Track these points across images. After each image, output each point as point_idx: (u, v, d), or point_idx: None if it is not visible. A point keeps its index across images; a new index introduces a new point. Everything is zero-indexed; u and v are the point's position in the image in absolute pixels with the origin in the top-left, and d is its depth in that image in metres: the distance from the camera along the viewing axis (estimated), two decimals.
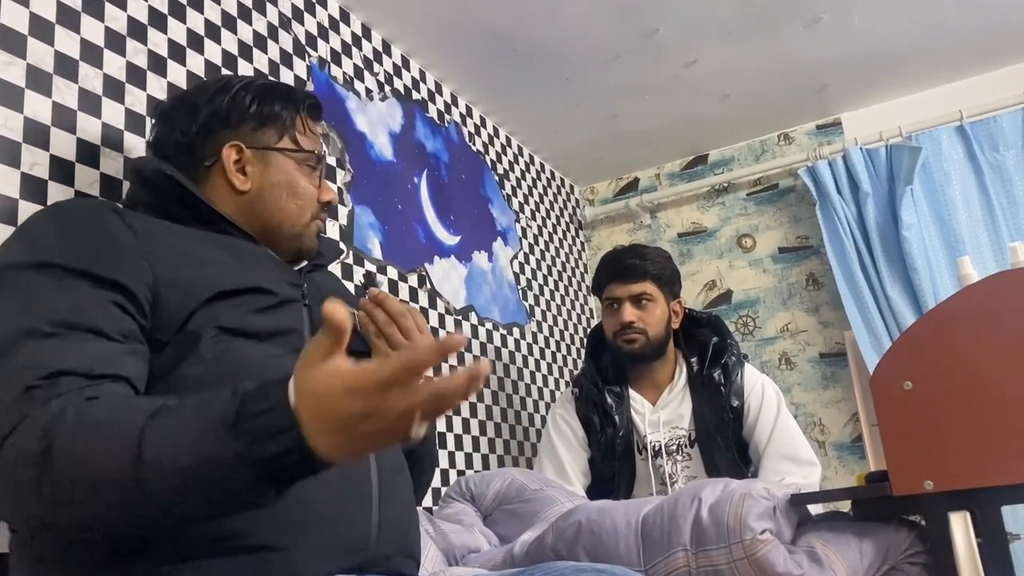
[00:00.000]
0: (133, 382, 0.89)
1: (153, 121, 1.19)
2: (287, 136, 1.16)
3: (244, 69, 1.74)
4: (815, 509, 1.53)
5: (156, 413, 0.76)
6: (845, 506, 1.49)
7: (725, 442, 1.98)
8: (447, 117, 2.52)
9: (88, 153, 1.34)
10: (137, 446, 0.74)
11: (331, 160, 1.95)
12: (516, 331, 2.61)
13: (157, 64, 1.53)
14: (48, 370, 0.82)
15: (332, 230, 1.89)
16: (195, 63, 1.61)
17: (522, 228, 2.83)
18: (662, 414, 2.04)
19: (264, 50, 1.82)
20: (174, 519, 0.78)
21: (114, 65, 1.43)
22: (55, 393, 0.81)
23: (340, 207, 1.94)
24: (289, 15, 1.92)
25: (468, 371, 0.66)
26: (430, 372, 0.70)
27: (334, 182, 1.94)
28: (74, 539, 0.83)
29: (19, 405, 0.80)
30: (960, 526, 1.19)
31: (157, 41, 1.54)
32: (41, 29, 1.31)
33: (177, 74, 1.56)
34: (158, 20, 1.55)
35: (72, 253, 0.92)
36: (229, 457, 0.71)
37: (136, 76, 1.47)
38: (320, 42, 2.01)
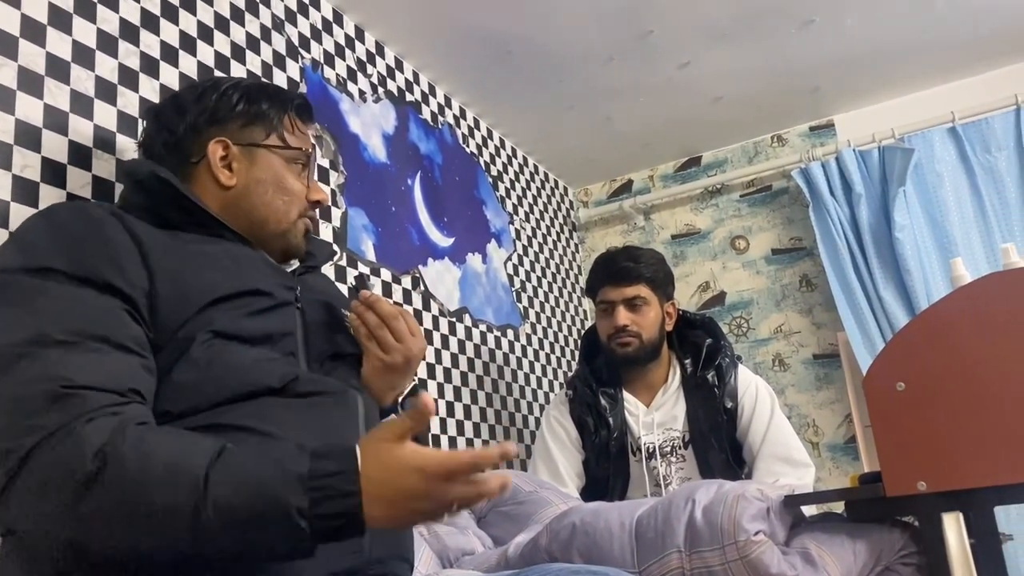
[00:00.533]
0: (148, 397, 0.90)
1: (143, 122, 1.20)
2: (275, 134, 1.16)
3: (237, 71, 1.74)
4: (809, 510, 1.53)
5: (220, 454, 0.80)
6: (839, 507, 1.49)
7: (719, 443, 1.98)
8: (440, 119, 2.52)
9: (80, 155, 1.33)
10: (203, 484, 0.78)
11: (324, 162, 1.94)
12: (510, 333, 2.61)
13: (149, 66, 1.52)
14: (72, 381, 0.82)
15: (325, 232, 1.89)
16: (188, 65, 1.61)
17: (516, 230, 2.82)
18: (656, 416, 2.04)
19: (257, 52, 1.81)
20: (212, 556, 0.80)
21: (106, 67, 1.43)
22: (88, 408, 0.81)
23: (333, 209, 1.94)
24: (282, 17, 1.92)
25: (501, 479, 0.80)
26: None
27: (327, 184, 1.94)
28: (92, 558, 0.83)
29: (49, 414, 0.80)
30: (953, 527, 1.19)
31: (149, 43, 1.53)
32: (32, 31, 1.31)
33: (170, 76, 1.56)
34: (150, 22, 1.54)
35: (73, 258, 0.91)
36: (292, 508, 0.77)
37: (128, 78, 1.47)
38: (313, 44, 2.01)
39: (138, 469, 0.78)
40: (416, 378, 1.24)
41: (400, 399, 1.22)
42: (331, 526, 0.78)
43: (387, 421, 0.83)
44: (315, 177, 1.23)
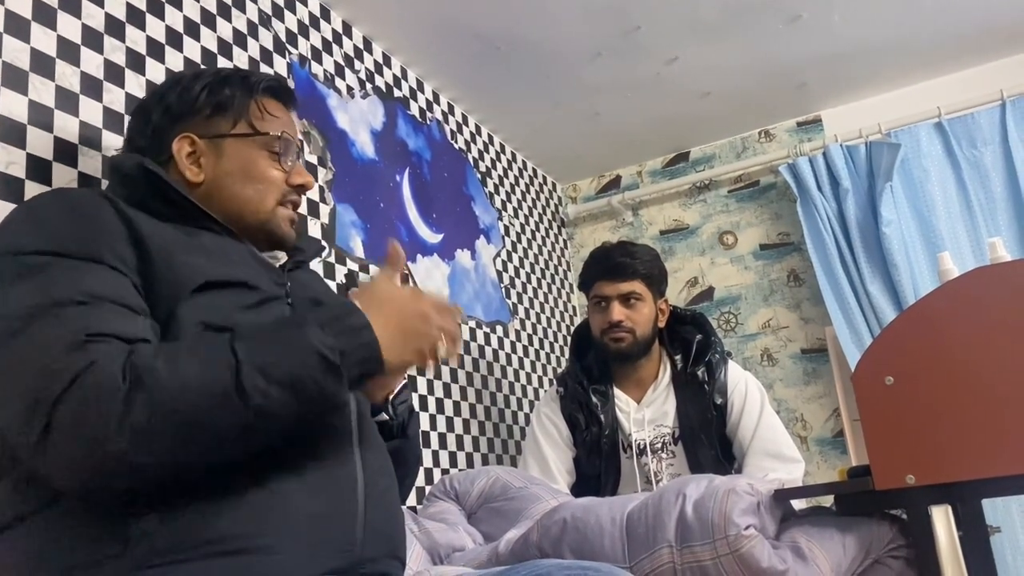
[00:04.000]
0: None
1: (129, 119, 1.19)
2: (243, 121, 1.12)
3: (224, 66, 1.72)
4: (798, 504, 1.53)
5: (234, 334, 0.87)
6: (828, 501, 1.50)
7: (709, 439, 1.98)
8: (429, 115, 2.51)
9: (65, 151, 1.32)
10: (234, 357, 0.83)
11: (312, 158, 1.93)
12: (499, 329, 2.61)
13: (135, 62, 1.51)
14: (95, 330, 0.84)
15: (314, 228, 1.88)
16: (174, 61, 1.60)
17: (505, 226, 2.82)
18: (647, 412, 2.04)
19: (244, 47, 1.80)
20: (268, 433, 0.86)
21: (92, 63, 1.41)
22: (112, 351, 0.83)
23: (322, 205, 1.93)
24: (269, 12, 1.91)
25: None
26: None
27: (316, 181, 1.93)
28: (146, 484, 0.83)
29: (77, 355, 0.81)
30: (942, 519, 1.20)
31: (135, 38, 1.52)
32: (17, 26, 1.29)
33: (156, 72, 1.55)
34: (136, 17, 1.53)
35: (66, 241, 0.91)
36: (324, 347, 0.86)
37: (114, 74, 1.46)
38: (300, 39, 2.00)
39: (169, 370, 0.81)
40: (406, 378, 1.24)
41: (391, 397, 1.21)
42: (358, 358, 0.88)
43: (371, 279, 0.96)
44: (298, 159, 1.17)
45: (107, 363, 0.81)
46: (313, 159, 1.93)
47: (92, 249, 0.91)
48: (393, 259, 1.01)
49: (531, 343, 2.79)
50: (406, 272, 2.19)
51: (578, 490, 2.02)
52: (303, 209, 1.80)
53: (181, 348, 0.87)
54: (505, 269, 2.75)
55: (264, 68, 1.85)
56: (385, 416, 1.20)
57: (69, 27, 1.38)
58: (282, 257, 1.20)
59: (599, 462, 2.03)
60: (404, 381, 1.24)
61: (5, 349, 0.84)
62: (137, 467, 0.80)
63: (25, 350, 0.83)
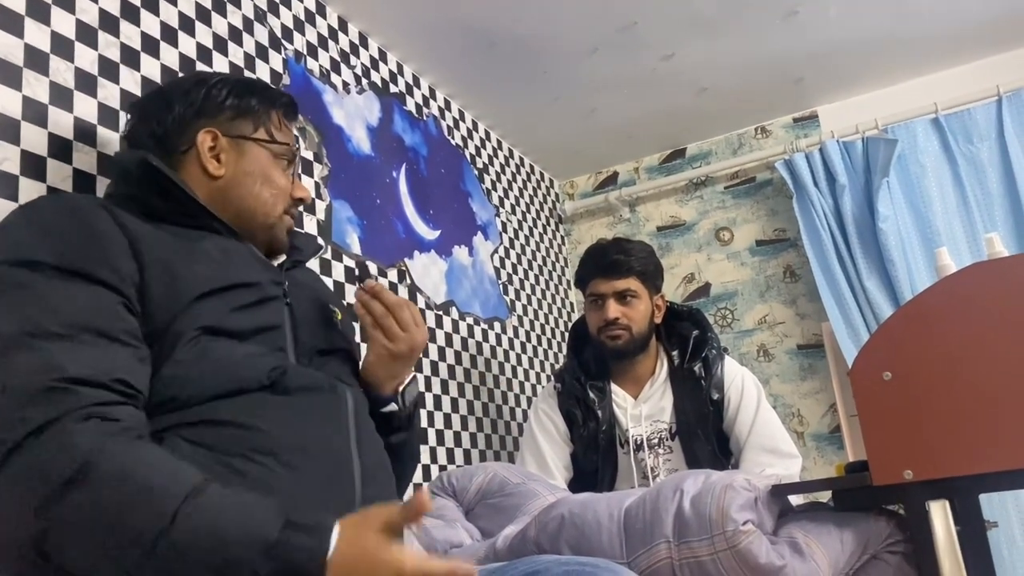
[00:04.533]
0: (141, 390, 0.90)
1: (128, 114, 1.19)
2: (263, 128, 1.17)
3: (219, 62, 1.72)
4: (796, 500, 1.54)
5: (198, 492, 0.79)
6: (825, 496, 1.50)
7: (705, 435, 1.98)
8: (425, 111, 2.50)
9: (60, 148, 1.31)
10: (172, 518, 0.77)
11: (308, 154, 1.93)
12: (497, 325, 2.60)
13: (130, 57, 1.50)
14: (65, 373, 0.82)
15: (310, 225, 1.88)
16: (169, 57, 1.59)
17: (502, 222, 2.82)
18: (644, 408, 2.04)
19: (239, 43, 1.79)
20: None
21: (86, 58, 1.41)
22: (79, 404, 0.81)
23: (318, 201, 1.92)
24: (264, 8, 1.90)
25: None
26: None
27: (311, 176, 1.92)
28: (47, 567, 0.82)
29: (40, 406, 0.80)
30: (939, 514, 1.20)
31: (130, 34, 1.51)
32: (10, 21, 1.28)
33: (151, 68, 1.54)
34: (131, 13, 1.52)
35: (59, 251, 0.91)
36: (248, 571, 0.76)
37: (109, 69, 1.45)
38: (296, 35, 1.99)
39: (116, 483, 0.78)
40: (414, 370, 1.25)
41: (400, 389, 1.22)
42: None
43: (380, 508, 0.82)
44: (299, 175, 1.24)
45: (67, 436, 0.79)
46: (309, 155, 1.93)
47: (85, 262, 0.91)
48: (415, 509, 0.82)
49: (529, 339, 2.78)
50: (402, 269, 2.18)
51: (575, 486, 2.02)
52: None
53: (145, 455, 0.82)
54: (503, 265, 2.74)
55: (260, 64, 1.84)
56: (394, 406, 1.20)
57: (63, 22, 1.38)
58: (280, 256, 1.21)
59: (596, 458, 2.03)
60: (413, 373, 1.24)
61: None
62: (46, 555, 0.80)
63: None
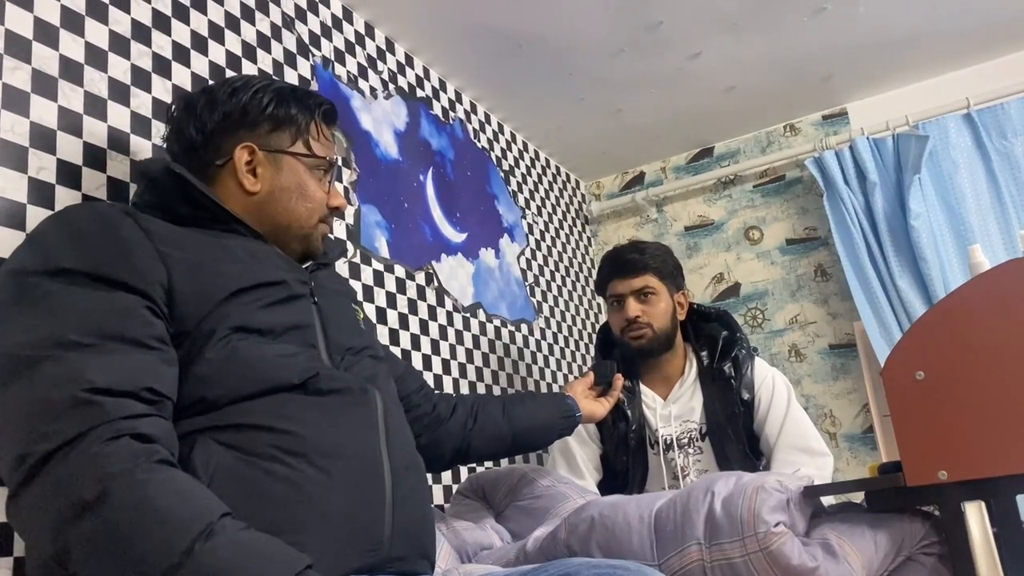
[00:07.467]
0: (169, 395, 0.91)
1: (172, 109, 1.18)
2: (300, 140, 1.17)
3: (248, 70, 1.74)
4: (828, 501, 1.52)
5: (212, 532, 0.79)
6: (858, 497, 1.48)
7: (736, 435, 1.97)
8: (452, 114, 2.51)
9: (94, 156, 1.34)
10: (186, 553, 0.77)
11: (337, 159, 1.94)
12: (524, 328, 2.61)
13: (162, 66, 1.53)
14: (93, 384, 0.83)
15: (339, 229, 1.89)
16: (199, 65, 1.61)
17: (528, 224, 2.82)
18: (673, 408, 2.03)
19: (268, 50, 1.81)
20: None
21: (119, 68, 1.43)
22: (108, 418, 0.81)
23: (347, 206, 1.94)
24: (292, 15, 1.92)
25: None
26: None
27: (340, 182, 1.94)
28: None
29: (68, 420, 0.81)
30: (975, 516, 1.18)
31: (161, 44, 1.54)
32: (45, 33, 1.31)
33: (182, 76, 1.56)
34: (162, 22, 1.55)
35: (85, 258, 0.92)
36: None
37: (141, 79, 1.47)
38: (323, 41, 2.01)
39: (134, 511, 0.78)
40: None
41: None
42: None
43: None
44: (336, 183, 1.24)
45: (93, 456, 0.80)
46: (339, 160, 1.94)
47: (109, 267, 0.92)
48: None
49: (556, 341, 2.78)
50: (430, 272, 2.20)
51: (605, 486, 2.02)
52: None
53: (166, 485, 0.82)
54: (529, 267, 2.75)
55: (288, 71, 1.86)
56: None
57: (96, 33, 1.40)
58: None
59: (626, 458, 2.02)
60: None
61: (5, 389, 0.84)
62: (66, 567, 0.80)
63: (23, 396, 0.83)
